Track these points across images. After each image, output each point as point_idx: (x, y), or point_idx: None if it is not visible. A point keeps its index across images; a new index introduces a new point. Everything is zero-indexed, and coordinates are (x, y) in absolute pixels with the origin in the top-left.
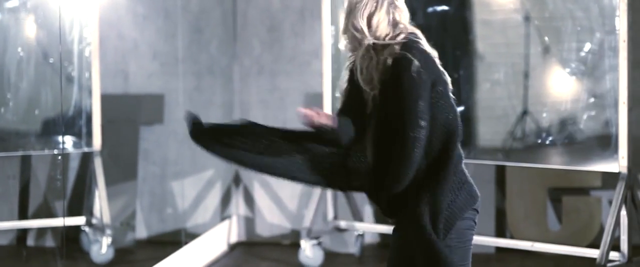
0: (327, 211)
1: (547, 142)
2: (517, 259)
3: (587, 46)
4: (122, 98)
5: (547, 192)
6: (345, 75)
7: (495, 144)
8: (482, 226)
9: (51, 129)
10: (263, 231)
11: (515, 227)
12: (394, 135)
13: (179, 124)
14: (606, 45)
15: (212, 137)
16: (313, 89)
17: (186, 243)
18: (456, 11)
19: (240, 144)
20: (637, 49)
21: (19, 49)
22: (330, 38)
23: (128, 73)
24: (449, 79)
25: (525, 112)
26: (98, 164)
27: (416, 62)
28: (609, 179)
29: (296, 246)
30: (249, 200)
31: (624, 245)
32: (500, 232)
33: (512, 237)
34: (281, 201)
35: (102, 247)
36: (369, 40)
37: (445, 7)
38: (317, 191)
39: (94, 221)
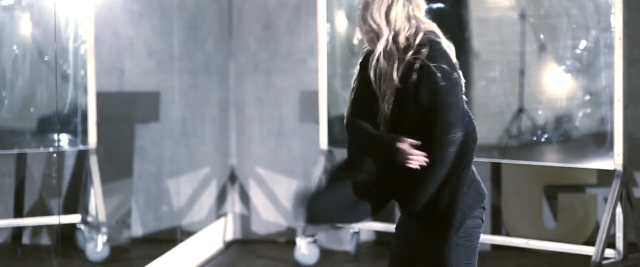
0: None
1: (543, 139)
2: (513, 257)
3: (583, 44)
4: (118, 96)
5: (542, 190)
6: (357, 72)
7: (491, 141)
8: None
9: (46, 126)
10: (259, 228)
11: (510, 224)
12: (417, 134)
13: (174, 122)
14: (601, 42)
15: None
16: (309, 86)
17: (182, 241)
18: (452, 8)
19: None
20: (632, 46)
21: (14, 47)
22: (325, 36)
23: (123, 71)
24: (463, 81)
25: (520, 110)
26: (93, 162)
27: (446, 67)
28: (605, 177)
29: (292, 243)
30: (245, 198)
31: (620, 242)
32: (496, 230)
33: (507, 235)
34: (277, 199)
35: (98, 245)
36: (388, 35)
37: (440, 5)
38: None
39: (89, 218)
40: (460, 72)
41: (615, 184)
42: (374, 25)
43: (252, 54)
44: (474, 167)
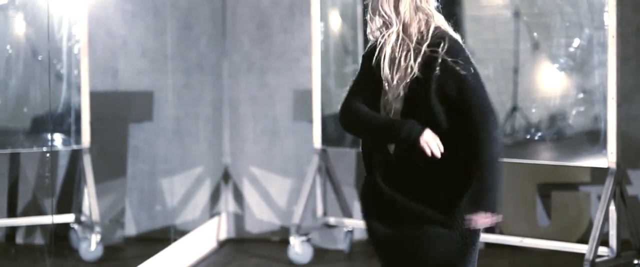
0: (316, 208)
1: (537, 137)
2: (507, 255)
3: (576, 42)
4: (111, 95)
5: (536, 188)
6: (365, 62)
7: None
8: None
9: (40, 126)
10: (252, 227)
11: (504, 222)
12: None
13: (168, 121)
14: (595, 40)
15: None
16: (302, 85)
17: (175, 240)
18: (445, 7)
19: None
20: (625, 44)
21: (8, 47)
22: (319, 34)
23: (117, 70)
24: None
25: (514, 108)
26: (87, 162)
27: (468, 59)
28: (598, 175)
29: (285, 242)
30: (238, 197)
31: (613, 240)
32: (490, 228)
33: (501, 233)
34: (270, 198)
35: (91, 244)
36: (398, 26)
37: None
38: (306, 187)
39: (83, 218)
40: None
41: (609, 182)
42: (385, 17)
43: (245, 53)
44: None
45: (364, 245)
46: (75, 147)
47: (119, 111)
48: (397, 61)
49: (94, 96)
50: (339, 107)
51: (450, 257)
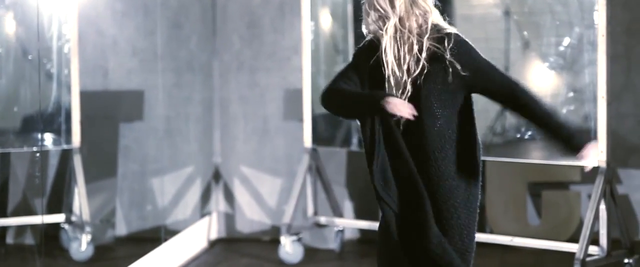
0: (307, 207)
1: (527, 137)
2: (497, 254)
3: (566, 41)
4: (102, 95)
5: (526, 187)
6: (358, 56)
7: None
8: None
9: (30, 126)
10: (243, 227)
11: (495, 221)
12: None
13: (158, 121)
14: (585, 39)
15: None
16: (293, 85)
17: (166, 240)
18: (435, 6)
19: None
20: (615, 43)
21: None
22: (309, 34)
23: (107, 70)
24: None
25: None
26: (77, 161)
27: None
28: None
29: (276, 242)
30: (229, 196)
31: (603, 239)
32: (480, 227)
33: (491, 232)
34: (261, 197)
35: (82, 244)
36: (395, 20)
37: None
38: (297, 187)
39: (73, 218)
40: None
41: (599, 181)
42: (381, 11)
43: (236, 53)
44: None
45: (354, 244)
46: (65, 146)
47: (110, 111)
48: (401, 55)
49: (84, 96)
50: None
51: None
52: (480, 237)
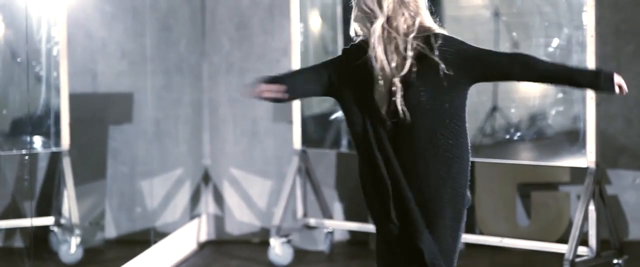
0: (296, 209)
1: (516, 137)
2: (487, 255)
3: (555, 41)
4: (91, 97)
5: (516, 188)
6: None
7: None
8: None
9: (19, 129)
10: (232, 229)
11: (484, 222)
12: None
13: (148, 123)
14: (574, 40)
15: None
16: None
17: (155, 242)
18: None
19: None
20: (604, 44)
21: None
22: (299, 35)
23: (96, 72)
24: None
25: (494, 108)
26: (67, 164)
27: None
28: (578, 174)
29: (266, 244)
30: (219, 198)
31: (593, 240)
32: (470, 228)
33: (481, 233)
34: (251, 199)
35: (71, 247)
36: (382, 20)
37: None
38: (286, 188)
39: (62, 221)
40: None
41: (588, 182)
42: (368, 12)
43: (225, 54)
44: None
45: (344, 246)
46: (54, 149)
47: (99, 113)
48: (388, 55)
49: (74, 98)
50: (318, 108)
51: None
52: (469, 238)
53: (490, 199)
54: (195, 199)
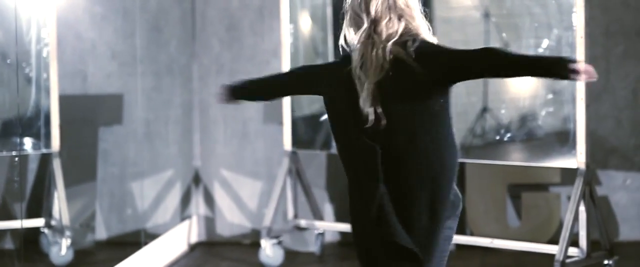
0: (287, 210)
1: (506, 138)
2: (477, 256)
3: (545, 42)
4: (81, 99)
5: (506, 189)
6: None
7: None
8: None
9: (9, 130)
10: (223, 230)
11: (475, 223)
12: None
13: (138, 124)
14: (564, 41)
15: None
16: None
17: (146, 244)
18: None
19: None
20: (593, 45)
21: None
22: (289, 37)
23: (86, 73)
24: None
25: (484, 109)
26: (57, 166)
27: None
28: (568, 175)
29: (257, 245)
30: (209, 200)
31: (583, 241)
32: (460, 229)
33: (472, 234)
34: (241, 201)
35: (62, 248)
36: (368, 25)
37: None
38: (277, 190)
39: (53, 222)
40: None
41: (579, 183)
42: (357, 18)
43: (215, 56)
44: None
45: (335, 247)
46: (44, 151)
47: (89, 114)
48: (368, 60)
49: (64, 99)
50: (308, 109)
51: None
52: (460, 239)
53: (481, 200)
54: (185, 200)
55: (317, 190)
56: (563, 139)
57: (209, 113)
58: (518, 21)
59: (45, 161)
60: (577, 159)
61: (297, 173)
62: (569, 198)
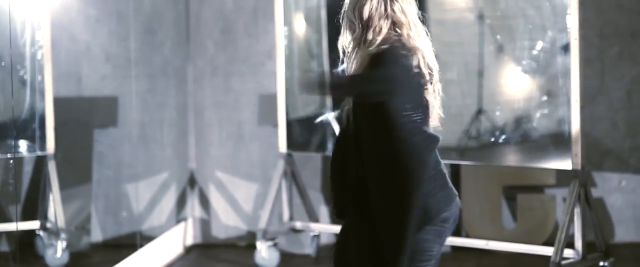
0: (282, 212)
1: (501, 140)
2: (473, 258)
3: (540, 44)
4: (76, 101)
5: (501, 191)
6: None
7: (450, 143)
8: None
9: (4, 133)
10: (219, 232)
11: (470, 225)
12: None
13: (133, 127)
14: (558, 43)
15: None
16: (267, 89)
17: (142, 246)
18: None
19: None
20: (588, 47)
21: None
22: (283, 39)
23: (81, 76)
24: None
25: (479, 111)
26: (52, 168)
27: (396, 66)
28: (563, 177)
29: (252, 247)
30: (205, 202)
31: (578, 242)
32: (456, 231)
33: (467, 236)
34: (237, 203)
35: (57, 251)
36: (359, 33)
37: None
38: (272, 192)
39: (48, 225)
40: (425, 73)
41: (574, 184)
42: (350, 23)
43: (210, 58)
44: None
45: (330, 249)
46: (39, 153)
47: (84, 117)
48: (350, 67)
49: (58, 102)
50: (303, 111)
51: None
52: (455, 241)
53: (476, 202)
54: (181, 202)
55: (312, 192)
56: (558, 141)
57: (204, 115)
58: (512, 23)
59: (40, 163)
60: (572, 161)
61: (292, 175)
62: (564, 200)
